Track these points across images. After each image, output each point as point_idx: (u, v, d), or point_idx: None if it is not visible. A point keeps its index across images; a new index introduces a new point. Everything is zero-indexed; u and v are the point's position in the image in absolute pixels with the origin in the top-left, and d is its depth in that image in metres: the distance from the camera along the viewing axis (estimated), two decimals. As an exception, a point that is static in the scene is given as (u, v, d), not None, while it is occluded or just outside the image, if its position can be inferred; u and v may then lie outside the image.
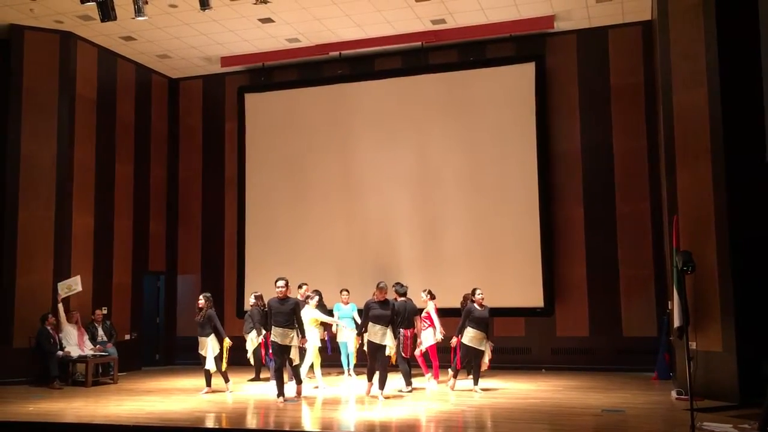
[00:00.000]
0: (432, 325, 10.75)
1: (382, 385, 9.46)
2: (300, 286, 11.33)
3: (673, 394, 9.24)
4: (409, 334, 10.11)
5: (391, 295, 10.07)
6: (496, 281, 12.38)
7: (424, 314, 10.84)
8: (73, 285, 11.95)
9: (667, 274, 10.76)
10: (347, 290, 11.80)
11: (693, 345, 8.71)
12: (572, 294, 12.76)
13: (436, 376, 10.87)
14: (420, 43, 13.46)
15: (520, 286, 12.69)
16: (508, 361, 12.46)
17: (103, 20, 10.25)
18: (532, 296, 12.71)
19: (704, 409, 7.92)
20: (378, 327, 9.39)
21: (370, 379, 9.72)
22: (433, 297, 10.99)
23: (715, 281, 8.87)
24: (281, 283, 9.58)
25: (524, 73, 13.20)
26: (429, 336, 10.75)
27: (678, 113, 9.61)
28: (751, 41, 8.49)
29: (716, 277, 8.86)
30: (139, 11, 10.14)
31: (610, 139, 12.89)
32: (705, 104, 9.14)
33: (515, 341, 12.84)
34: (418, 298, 10.95)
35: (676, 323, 8.75)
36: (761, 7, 7.94)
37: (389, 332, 9.44)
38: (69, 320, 11.89)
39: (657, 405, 8.71)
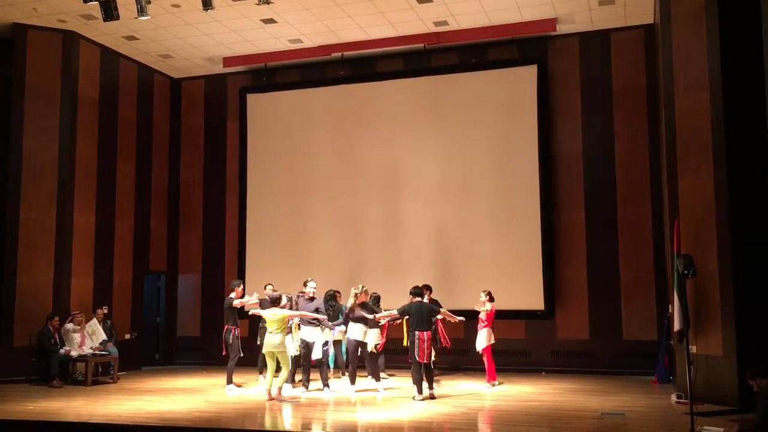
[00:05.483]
0: (488, 325, 10.63)
1: (377, 377, 10.34)
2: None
3: (673, 397, 9.24)
4: (425, 337, 9.47)
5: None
6: (496, 283, 12.32)
7: (483, 315, 10.66)
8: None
9: (667, 277, 10.75)
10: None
11: (693, 349, 8.71)
12: (573, 297, 12.75)
13: (491, 378, 10.69)
14: (422, 45, 13.45)
15: (521, 289, 12.67)
16: (508, 364, 12.42)
17: (105, 20, 10.27)
18: (533, 299, 12.70)
19: (704, 413, 7.92)
20: (358, 326, 10.21)
21: (353, 381, 10.21)
22: (492, 299, 10.77)
23: (715, 285, 8.87)
24: (312, 284, 10.53)
25: (526, 76, 13.20)
26: (483, 337, 10.64)
27: (680, 117, 9.61)
28: (753, 45, 8.51)
29: (717, 281, 8.86)
30: (141, 11, 10.18)
31: (612, 142, 12.88)
32: (707, 108, 9.14)
33: (515, 344, 12.82)
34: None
35: (677, 327, 8.74)
36: (764, 12, 7.95)
37: (370, 331, 10.36)
38: (74, 322, 11.89)
39: (657, 409, 8.70)
